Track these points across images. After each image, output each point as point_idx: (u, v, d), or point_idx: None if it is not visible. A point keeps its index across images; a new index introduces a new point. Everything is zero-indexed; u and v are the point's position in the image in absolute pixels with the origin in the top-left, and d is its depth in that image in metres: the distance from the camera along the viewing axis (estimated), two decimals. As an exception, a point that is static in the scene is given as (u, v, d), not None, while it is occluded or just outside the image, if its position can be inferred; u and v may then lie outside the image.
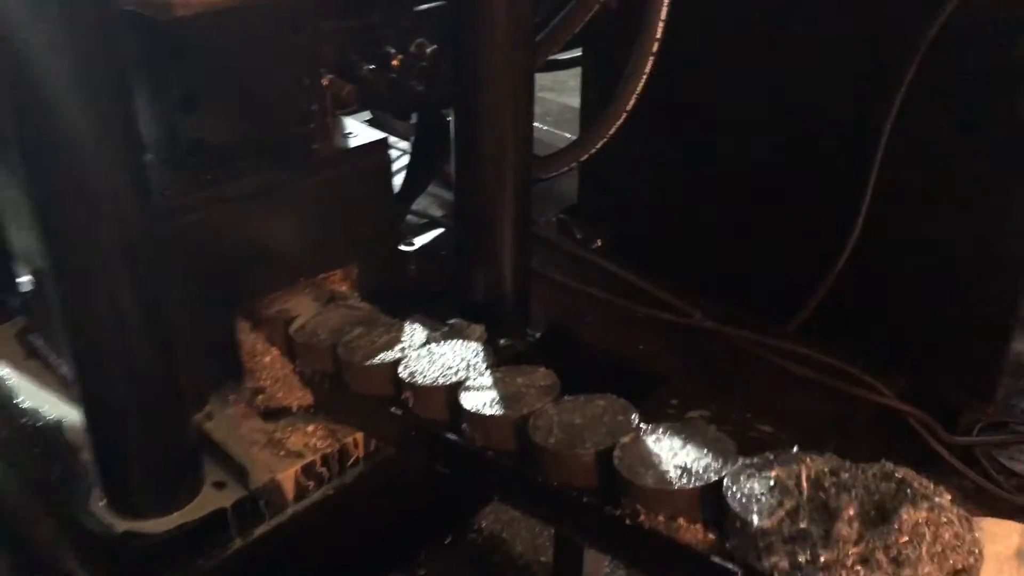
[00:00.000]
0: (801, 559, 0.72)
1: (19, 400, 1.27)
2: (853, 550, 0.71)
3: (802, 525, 0.73)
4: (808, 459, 0.78)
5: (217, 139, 1.20)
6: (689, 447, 0.87)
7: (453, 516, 1.29)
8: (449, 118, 1.53)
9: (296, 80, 1.25)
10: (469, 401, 1.01)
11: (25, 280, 1.31)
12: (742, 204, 1.66)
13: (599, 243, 1.87)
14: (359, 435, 1.18)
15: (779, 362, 1.49)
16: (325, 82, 1.39)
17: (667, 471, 0.84)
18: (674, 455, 0.86)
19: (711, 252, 1.73)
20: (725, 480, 0.81)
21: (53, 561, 1.13)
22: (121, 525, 1.06)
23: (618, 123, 1.41)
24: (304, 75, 1.26)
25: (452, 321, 1.25)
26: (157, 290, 1.00)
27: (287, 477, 1.13)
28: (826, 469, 0.77)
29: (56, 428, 1.21)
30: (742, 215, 1.67)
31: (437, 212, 1.92)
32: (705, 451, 0.86)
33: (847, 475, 0.75)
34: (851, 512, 0.72)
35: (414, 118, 1.80)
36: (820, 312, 1.58)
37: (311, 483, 1.15)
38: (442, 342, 1.14)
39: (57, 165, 0.90)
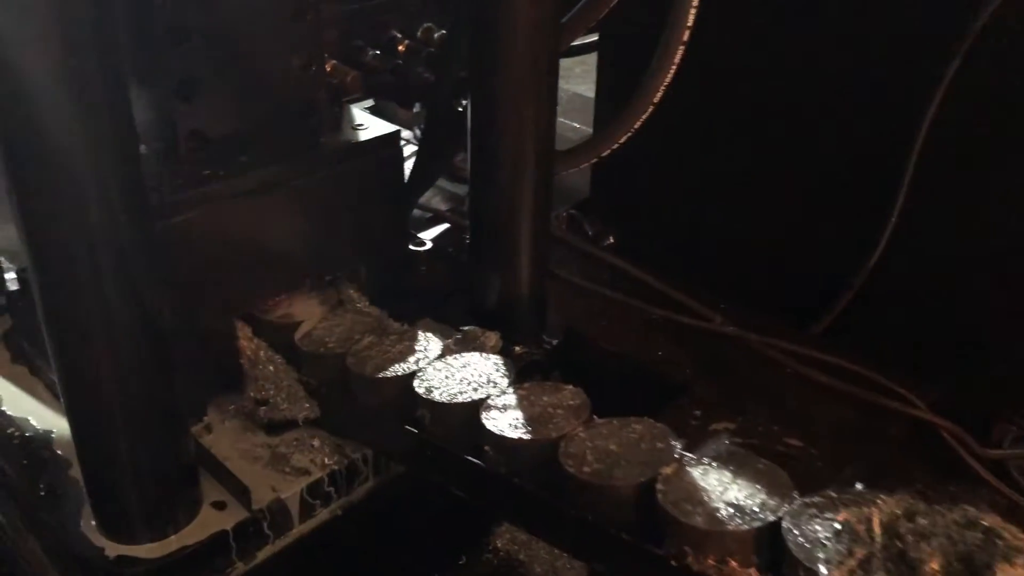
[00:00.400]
0: (876, 616, 0.65)
1: (4, 408, 1.19)
2: (938, 609, 0.64)
3: (877, 578, 0.66)
4: (879, 500, 0.71)
5: (217, 130, 1.12)
6: (739, 481, 0.80)
7: (467, 535, 1.22)
8: (459, 108, 1.45)
9: (300, 66, 1.17)
10: (492, 422, 0.94)
11: (11, 278, 1.23)
12: (765, 201, 1.59)
13: (611, 240, 1.79)
14: (369, 450, 1.11)
15: (804, 371, 1.42)
16: (328, 68, 1.31)
17: (717, 508, 0.77)
18: (723, 490, 0.79)
19: (729, 251, 1.66)
20: (784, 521, 0.74)
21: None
22: (114, 549, 0.99)
23: (644, 116, 1.33)
24: (308, 61, 1.18)
25: (465, 328, 1.18)
26: (151, 292, 0.92)
27: (292, 496, 1.06)
28: (899, 512, 0.70)
29: (44, 439, 1.14)
30: (765, 212, 1.60)
31: (442, 206, 1.84)
32: (757, 486, 0.79)
33: (925, 521, 0.68)
34: (935, 565, 0.65)
35: (418, 107, 1.72)
36: (845, 317, 1.51)
37: (318, 502, 1.08)
38: (459, 354, 1.07)
39: (41, 156, 0.82)
